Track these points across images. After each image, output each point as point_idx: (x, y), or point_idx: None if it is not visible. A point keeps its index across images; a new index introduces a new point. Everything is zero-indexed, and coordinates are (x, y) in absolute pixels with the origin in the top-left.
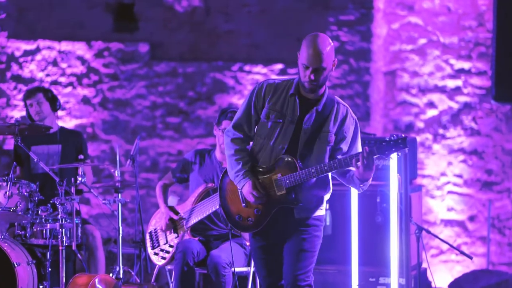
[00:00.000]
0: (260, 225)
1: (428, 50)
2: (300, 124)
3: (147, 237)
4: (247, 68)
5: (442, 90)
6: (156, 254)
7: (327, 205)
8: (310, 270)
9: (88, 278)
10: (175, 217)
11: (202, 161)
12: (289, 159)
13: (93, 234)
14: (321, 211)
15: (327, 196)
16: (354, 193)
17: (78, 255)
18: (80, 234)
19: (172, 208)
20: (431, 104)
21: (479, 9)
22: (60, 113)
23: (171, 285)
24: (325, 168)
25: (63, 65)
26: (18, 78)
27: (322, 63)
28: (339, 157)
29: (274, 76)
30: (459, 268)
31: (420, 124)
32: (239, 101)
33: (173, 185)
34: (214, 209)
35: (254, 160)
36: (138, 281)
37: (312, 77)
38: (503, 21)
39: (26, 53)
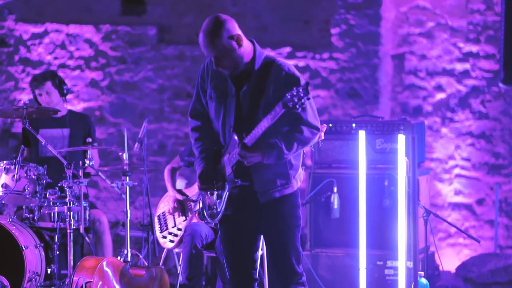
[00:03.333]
0: (220, 211)
1: (436, 33)
2: (239, 98)
3: (155, 220)
4: None
5: (450, 73)
6: (164, 237)
7: (338, 189)
8: (295, 258)
9: (96, 261)
10: (181, 198)
11: None
12: (234, 136)
13: (100, 220)
14: (289, 189)
15: (294, 173)
16: (362, 177)
17: (86, 238)
18: (88, 217)
19: (180, 191)
20: (439, 88)
21: None
22: (68, 96)
23: (179, 268)
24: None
25: (71, 48)
26: (26, 61)
27: (215, 51)
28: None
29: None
30: (467, 251)
31: (428, 108)
32: None
33: (181, 168)
34: None
35: (218, 144)
36: (146, 264)
37: (216, 64)
38: (511, 4)
39: (34, 36)
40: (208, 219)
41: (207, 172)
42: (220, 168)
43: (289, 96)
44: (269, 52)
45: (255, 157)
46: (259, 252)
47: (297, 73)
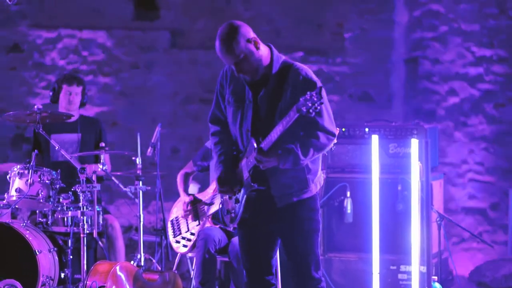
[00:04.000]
0: (238, 215)
1: (450, 38)
2: (257, 103)
3: (169, 225)
4: None
5: (463, 77)
6: (177, 242)
7: (351, 193)
8: (313, 263)
9: (109, 266)
10: (190, 198)
11: None
12: (252, 141)
13: (112, 225)
14: (308, 193)
15: (313, 177)
16: (375, 181)
17: (99, 242)
18: (101, 222)
19: (193, 196)
20: (452, 92)
21: None
22: None
23: (192, 272)
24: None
25: (84, 53)
26: (39, 66)
27: (234, 58)
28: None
29: None
30: (481, 256)
31: (442, 112)
32: None
33: (195, 173)
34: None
35: (236, 149)
36: (159, 268)
37: (237, 70)
38: None
39: (48, 41)
40: (227, 223)
41: (225, 175)
42: (238, 172)
43: (302, 101)
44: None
45: (271, 161)
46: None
47: (315, 77)
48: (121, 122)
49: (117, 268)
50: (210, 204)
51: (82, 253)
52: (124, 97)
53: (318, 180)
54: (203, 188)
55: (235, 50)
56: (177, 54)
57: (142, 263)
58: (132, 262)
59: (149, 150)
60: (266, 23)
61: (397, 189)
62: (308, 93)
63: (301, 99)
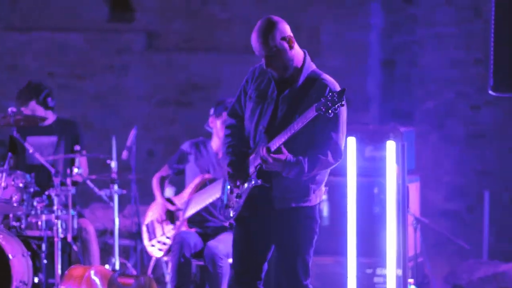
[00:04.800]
0: (237, 210)
1: (426, 41)
2: (278, 102)
3: (144, 229)
4: (244, 57)
5: (439, 80)
6: (153, 246)
7: (324, 197)
8: (302, 270)
9: (83, 270)
10: (171, 208)
11: (198, 152)
12: (265, 137)
13: (87, 229)
14: (307, 202)
15: (315, 188)
16: (352, 184)
17: (74, 247)
18: (76, 226)
19: (168, 200)
20: (428, 95)
21: (477, 0)
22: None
23: (167, 276)
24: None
25: (59, 55)
26: (12, 69)
27: (266, 50)
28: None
29: None
30: (456, 259)
31: (418, 115)
32: (236, 91)
33: (170, 177)
34: (211, 200)
35: (247, 145)
36: (135, 272)
37: (267, 63)
38: (501, 12)
39: (21, 43)
40: (225, 217)
41: (234, 163)
42: (244, 166)
43: (323, 100)
44: (258, 58)
45: (275, 164)
46: None
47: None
48: (96, 124)
49: (92, 272)
50: (186, 209)
51: (56, 257)
52: (99, 99)
53: (319, 192)
54: (178, 191)
55: (269, 42)
56: (152, 56)
57: (117, 267)
58: (107, 266)
59: (124, 153)
60: (242, 25)
61: (373, 192)
62: (330, 93)
63: (322, 98)
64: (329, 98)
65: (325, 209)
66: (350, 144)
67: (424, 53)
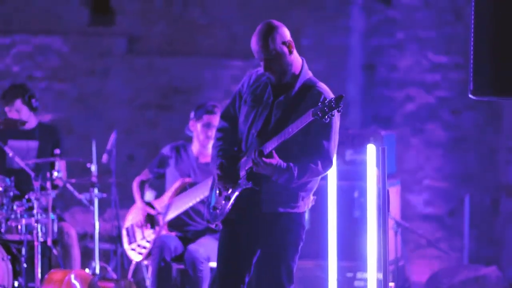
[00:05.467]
0: (225, 212)
1: (406, 45)
2: (272, 108)
3: (124, 232)
4: (225, 61)
5: (420, 84)
6: (133, 249)
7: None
8: (286, 275)
9: (63, 274)
10: (152, 212)
11: (178, 156)
12: (256, 141)
13: (68, 233)
14: (295, 209)
15: (304, 195)
16: (332, 188)
17: (54, 250)
18: (56, 230)
19: (148, 204)
20: (409, 98)
21: (457, 3)
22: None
23: (147, 280)
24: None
25: (39, 59)
26: None
27: (266, 53)
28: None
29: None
30: (437, 263)
31: (399, 118)
32: (216, 95)
33: (150, 181)
34: (191, 204)
35: (238, 148)
36: (115, 276)
37: (265, 67)
38: (481, 15)
39: (2, 46)
40: (211, 219)
41: (223, 166)
42: (234, 170)
43: (320, 105)
44: (239, 63)
45: (266, 168)
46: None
47: None
48: (77, 128)
49: (72, 276)
50: (166, 213)
51: (36, 261)
52: (80, 103)
53: (308, 200)
54: (159, 195)
55: (269, 46)
56: (133, 60)
57: (97, 271)
58: (87, 270)
59: (104, 157)
60: (223, 29)
61: (354, 196)
62: (328, 99)
63: (319, 104)
64: (326, 103)
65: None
66: None
67: (404, 56)
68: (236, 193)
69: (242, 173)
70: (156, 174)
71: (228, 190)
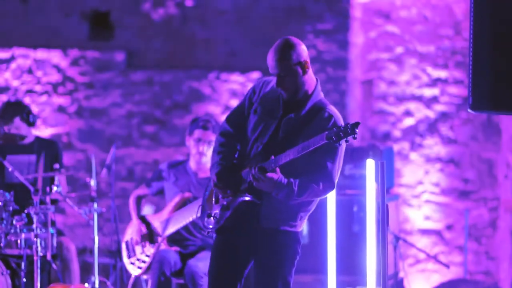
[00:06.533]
0: (221, 220)
1: (405, 59)
2: (280, 123)
3: (123, 246)
4: (224, 76)
5: (419, 99)
6: (132, 263)
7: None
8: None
9: None
10: (144, 231)
11: (177, 174)
12: (260, 154)
13: (68, 247)
14: (293, 228)
15: (302, 215)
16: (331, 202)
17: (53, 265)
18: (55, 245)
19: (142, 218)
20: (408, 113)
21: (456, 18)
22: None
23: None
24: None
25: (39, 73)
26: None
27: (280, 70)
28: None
29: (250, 85)
30: (436, 277)
31: (397, 133)
32: (215, 109)
33: (147, 196)
34: (191, 219)
35: (242, 155)
36: None
37: (278, 83)
38: (479, 30)
39: (1, 61)
40: (205, 226)
41: (224, 174)
42: (236, 178)
43: (335, 130)
44: (238, 77)
45: (266, 184)
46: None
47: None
48: (76, 143)
49: None
50: (165, 227)
51: (35, 276)
52: (79, 117)
53: (305, 220)
54: (158, 209)
55: (284, 63)
56: (133, 75)
57: (97, 286)
58: (86, 284)
59: (103, 171)
60: (222, 44)
61: (353, 210)
62: (343, 124)
63: (334, 128)
64: (342, 128)
65: (304, 227)
66: None
67: (403, 71)
68: (236, 204)
69: (244, 184)
70: (154, 190)
71: (225, 198)
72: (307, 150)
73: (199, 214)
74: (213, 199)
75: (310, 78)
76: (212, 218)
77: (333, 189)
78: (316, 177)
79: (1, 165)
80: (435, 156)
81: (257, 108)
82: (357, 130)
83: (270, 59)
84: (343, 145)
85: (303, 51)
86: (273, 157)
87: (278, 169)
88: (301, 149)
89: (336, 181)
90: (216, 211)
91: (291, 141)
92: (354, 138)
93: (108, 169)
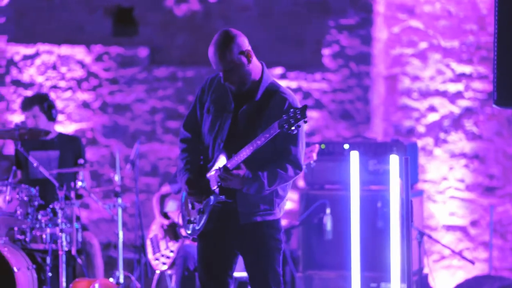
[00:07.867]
0: (201, 225)
1: (429, 54)
2: (236, 116)
3: (148, 242)
4: None
5: (443, 94)
6: (156, 259)
7: (331, 210)
8: (273, 280)
9: (88, 283)
10: (165, 222)
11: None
12: (223, 152)
13: (91, 242)
14: (272, 216)
15: (279, 202)
16: (355, 198)
17: (78, 260)
18: (80, 239)
19: (165, 215)
20: (432, 109)
21: (480, 13)
22: (60, 117)
23: None
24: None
25: (63, 69)
26: (17, 83)
27: (224, 65)
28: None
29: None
30: (461, 273)
31: (421, 129)
32: None
33: (171, 195)
34: None
35: (205, 158)
36: (139, 286)
37: (225, 78)
38: (504, 24)
39: (26, 57)
40: (187, 233)
41: (194, 180)
42: (205, 182)
43: (285, 117)
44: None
45: (234, 182)
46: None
47: (299, 105)
48: (100, 138)
49: (96, 285)
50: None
51: (60, 270)
52: (103, 113)
53: (283, 205)
54: None
55: (227, 58)
56: (156, 70)
57: (121, 281)
58: (111, 279)
59: (127, 167)
60: None
61: (377, 206)
62: (292, 109)
63: (284, 116)
64: (291, 114)
65: (328, 223)
66: (353, 158)
67: (427, 66)
68: (210, 206)
69: (213, 185)
70: (177, 186)
71: (201, 203)
72: (265, 141)
73: (181, 223)
74: (190, 205)
75: (255, 66)
76: (193, 224)
77: (301, 170)
78: (282, 164)
79: (26, 161)
80: (460, 152)
81: (209, 107)
82: (307, 113)
83: (211, 55)
84: (302, 126)
85: (243, 41)
86: (233, 155)
87: (242, 165)
88: (259, 142)
89: (302, 161)
90: (196, 216)
91: (252, 131)
92: (305, 122)
93: (132, 165)
